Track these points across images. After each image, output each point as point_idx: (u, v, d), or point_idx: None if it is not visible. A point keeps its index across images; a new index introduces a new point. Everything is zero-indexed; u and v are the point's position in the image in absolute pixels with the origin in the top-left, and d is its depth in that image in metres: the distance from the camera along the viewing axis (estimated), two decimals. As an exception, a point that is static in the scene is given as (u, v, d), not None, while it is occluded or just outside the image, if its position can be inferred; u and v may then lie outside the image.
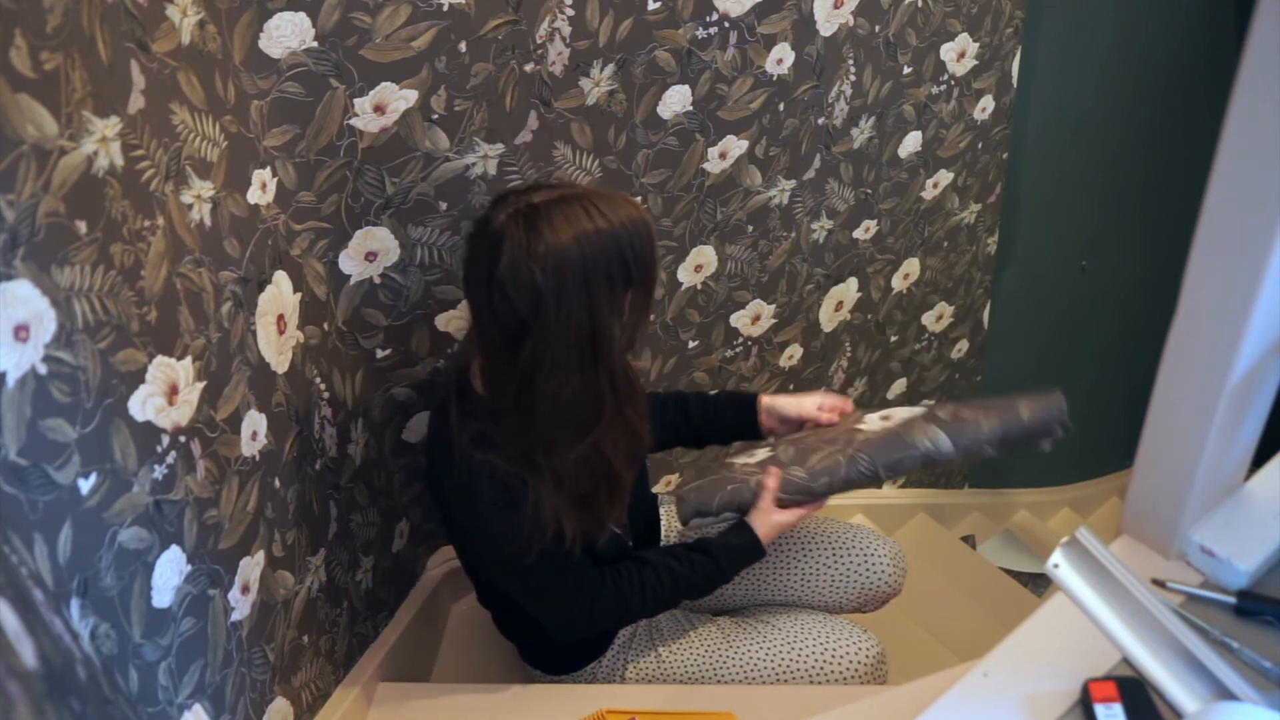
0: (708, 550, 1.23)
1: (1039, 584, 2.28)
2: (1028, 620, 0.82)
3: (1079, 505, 2.80)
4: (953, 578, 2.14)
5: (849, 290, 1.89)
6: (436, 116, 1.21)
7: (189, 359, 0.86)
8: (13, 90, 0.63)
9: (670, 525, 1.45)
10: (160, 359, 0.81)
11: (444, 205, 1.28)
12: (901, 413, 1.26)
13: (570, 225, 0.97)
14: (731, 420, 1.39)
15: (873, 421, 1.26)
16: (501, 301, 0.99)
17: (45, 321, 0.66)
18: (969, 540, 2.52)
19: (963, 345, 2.21)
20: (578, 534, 1.10)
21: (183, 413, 0.85)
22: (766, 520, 1.23)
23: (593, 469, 1.11)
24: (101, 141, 0.73)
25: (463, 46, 1.18)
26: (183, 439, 0.85)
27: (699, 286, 1.65)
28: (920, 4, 1.60)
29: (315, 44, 1.07)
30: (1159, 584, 0.83)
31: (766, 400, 1.36)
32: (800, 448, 1.26)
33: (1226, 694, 0.71)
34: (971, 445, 1.19)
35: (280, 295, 1.09)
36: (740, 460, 1.31)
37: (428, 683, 1.52)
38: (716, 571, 1.22)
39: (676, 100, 1.41)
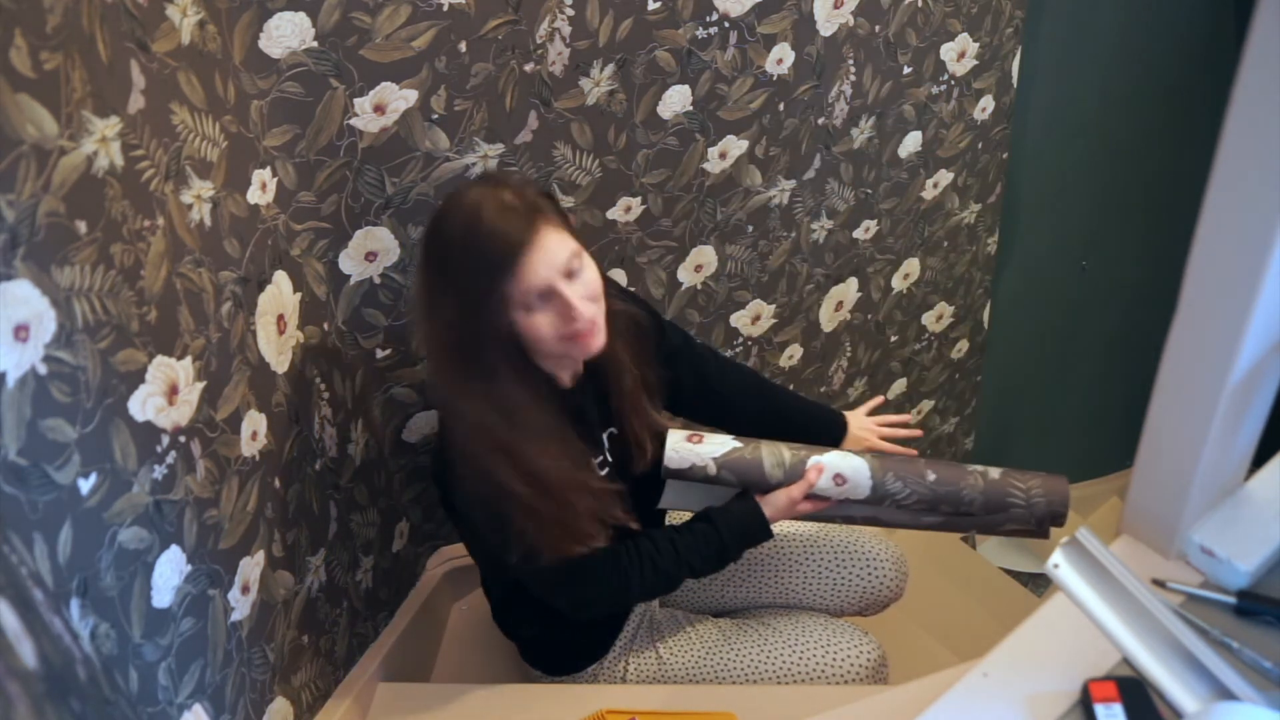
0: (708, 517, 1.18)
1: (1039, 584, 2.28)
2: (1028, 620, 0.82)
3: (1079, 505, 2.78)
4: (953, 578, 2.14)
5: (849, 290, 1.89)
6: (436, 116, 1.21)
7: (189, 359, 0.86)
8: (13, 90, 0.63)
9: None
10: (160, 359, 0.81)
11: (444, 205, 1.28)
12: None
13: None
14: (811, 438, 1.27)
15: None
16: None
17: (45, 321, 0.66)
18: (969, 540, 2.51)
19: (963, 345, 2.21)
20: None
21: (183, 413, 0.85)
22: (781, 500, 1.16)
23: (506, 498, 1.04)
24: (101, 141, 0.73)
25: (463, 46, 1.18)
26: (183, 439, 0.85)
27: (699, 286, 1.65)
28: (920, 4, 1.60)
29: (315, 44, 1.07)
30: (1159, 584, 0.83)
31: (858, 423, 1.31)
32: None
33: (1226, 694, 0.71)
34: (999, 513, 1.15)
35: (280, 295, 1.09)
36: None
37: (428, 683, 1.52)
38: (715, 536, 1.16)
39: (676, 100, 1.41)
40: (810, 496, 1.16)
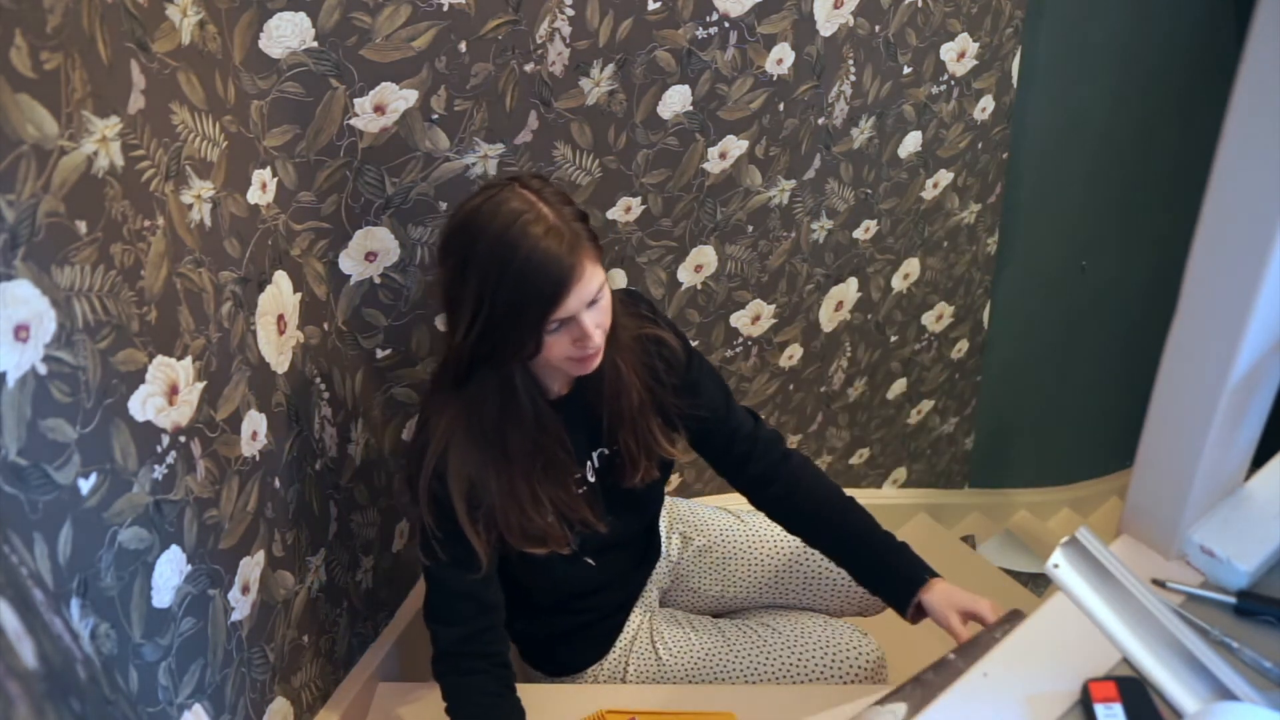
0: None
1: (1039, 584, 2.28)
2: (1028, 620, 0.82)
3: (1079, 505, 2.80)
4: (953, 578, 2.13)
5: (849, 290, 1.89)
6: (436, 116, 1.21)
7: (189, 359, 0.86)
8: (13, 90, 0.63)
9: (668, 549, 1.43)
10: (160, 359, 0.81)
11: (444, 205, 1.27)
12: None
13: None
14: (875, 580, 1.23)
15: None
16: None
17: (45, 321, 0.66)
18: (969, 540, 2.51)
19: (963, 345, 2.21)
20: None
21: (183, 413, 0.85)
22: None
23: None
24: (101, 141, 0.73)
25: (463, 46, 1.18)
26: (183, 439, 0.85)
27: (699, 286, 1.65)
28: (920, 4, 1.60)
29: (315, 44, 1.07)
30: (1159, 584, 0.83)
31: (943, 590, 1.19)
32: None
33: (1226, 694, 0.71)
34: None
35: (280, 295, 1.09)
36: None
37: (428, 683, 1.51)
38: None
39: (676, 100, 1.41)
40: None
